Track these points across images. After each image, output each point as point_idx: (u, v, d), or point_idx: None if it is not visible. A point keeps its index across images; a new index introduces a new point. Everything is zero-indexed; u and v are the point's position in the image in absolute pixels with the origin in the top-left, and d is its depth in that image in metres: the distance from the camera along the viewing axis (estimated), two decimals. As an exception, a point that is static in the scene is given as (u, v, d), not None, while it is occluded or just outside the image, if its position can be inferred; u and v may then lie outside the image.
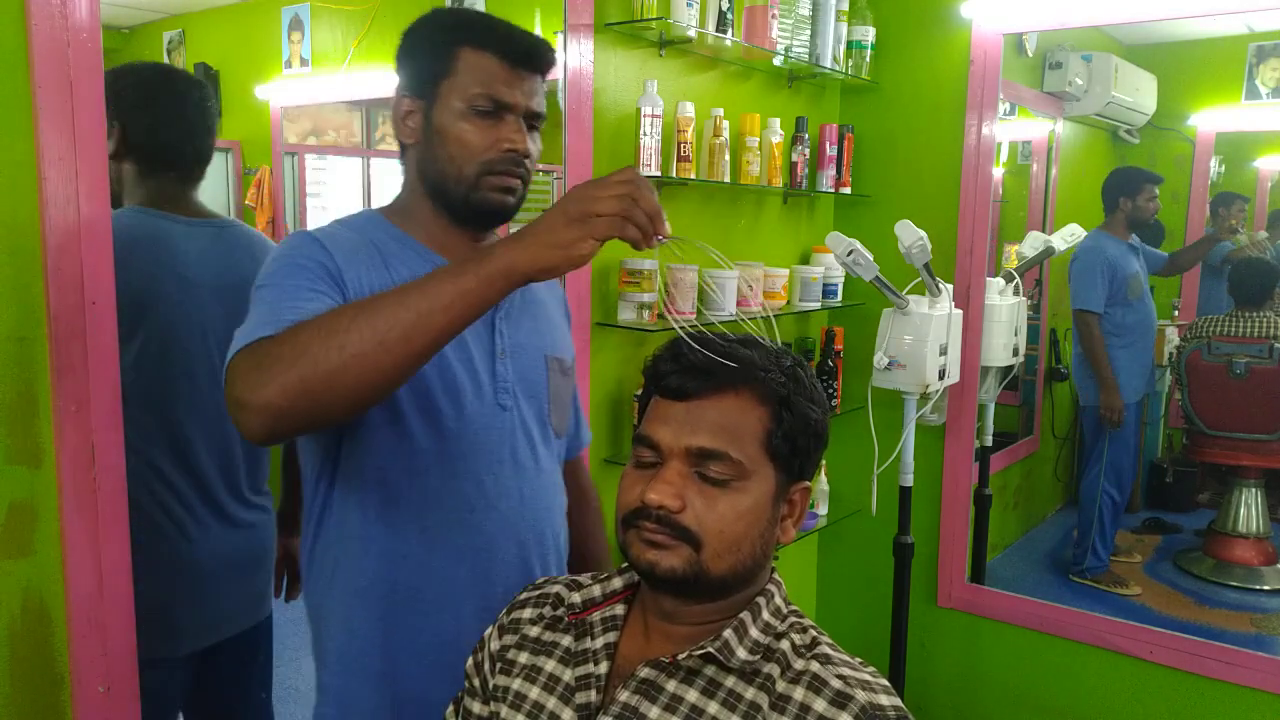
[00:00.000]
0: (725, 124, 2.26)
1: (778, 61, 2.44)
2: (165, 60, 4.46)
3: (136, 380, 1.46)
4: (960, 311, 2.40)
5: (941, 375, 2.31)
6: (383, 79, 4.24)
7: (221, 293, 1.57)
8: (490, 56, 1.13)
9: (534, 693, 0.95)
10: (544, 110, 1.18)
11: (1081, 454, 3.28)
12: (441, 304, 0.91)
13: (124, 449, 1.31)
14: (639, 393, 1.04)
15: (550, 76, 1.21)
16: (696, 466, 0.89)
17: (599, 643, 0.96)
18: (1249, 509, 3.17)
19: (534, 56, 1.16)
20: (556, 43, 2.23)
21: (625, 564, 0.98)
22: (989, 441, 2.81)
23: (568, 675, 0.95)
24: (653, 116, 2.06)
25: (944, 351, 2.30)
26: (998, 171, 2.86)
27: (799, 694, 0.86)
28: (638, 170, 0.98)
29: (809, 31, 2.49)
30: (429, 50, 1.16)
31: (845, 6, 2.53)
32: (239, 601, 1.69)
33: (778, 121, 2.44)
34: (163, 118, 1.57)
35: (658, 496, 0.87)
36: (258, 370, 0.91)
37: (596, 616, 0.98)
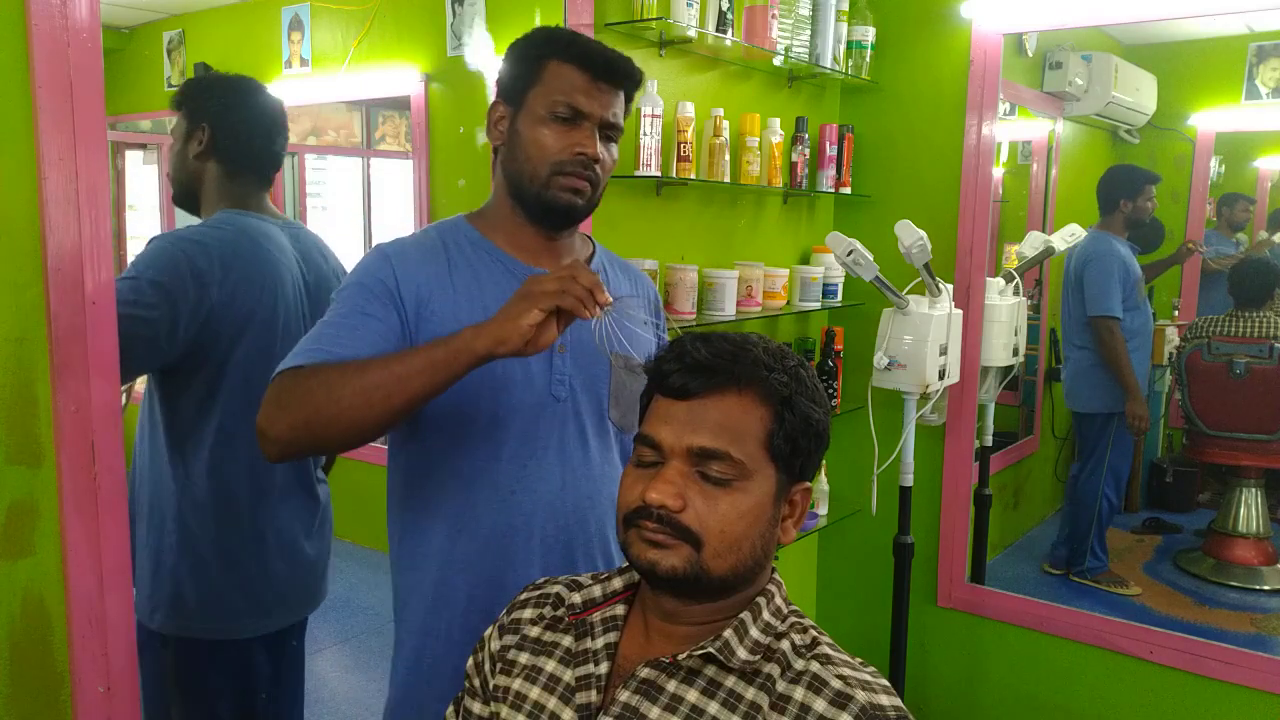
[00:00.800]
0: (725, 124, 2.26)
1: (778, 61, 2.44)
2: (165, 60, 4.46)
3: (267, 366, 1.55)
4: (960, 311, 2.40)
5: (941, 375, 2.31)
6: (382, 79, 4.24)
7: (309, 287, 1.75)
8: (573, 68, 1.23)
9: (534, 693, 0.95)
10: (620, 123, 1.27)
11: (1080, 457, 3.26)
12: (415, 370, 1.08)
13: (124, 450, 1.31)
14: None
15: (625, 88, 1.29)
16: (698, 466, 0.89)
17: (599, 643, 0.96)
18: (1249, 509, 3.17)
19: (614, 71, 1.25)
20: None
21: (625, 564, 0.98)
22: (989, 441, 2.81)
23: (568, 675, 0.95)
24: (653, 116, 2.06)
25: (944, 351, 2.30)
26: (998, 171, 2.86)
27: (799, 694, 0.86)
28: (578, 260, 1.12)
29: (809, 31, 2.49)
30: (523, 61, 1.27)
31: (845, 6, 2.53)
32: (324, 569, 1.84)
33: (778, 121, 2.44)
34: (249, 123, 1.70)
35: (658, 496, 0.87)
36: (276, 407, 1.12)
37: (597, 617, 0.98)
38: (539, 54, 1.25)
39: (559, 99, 1.22)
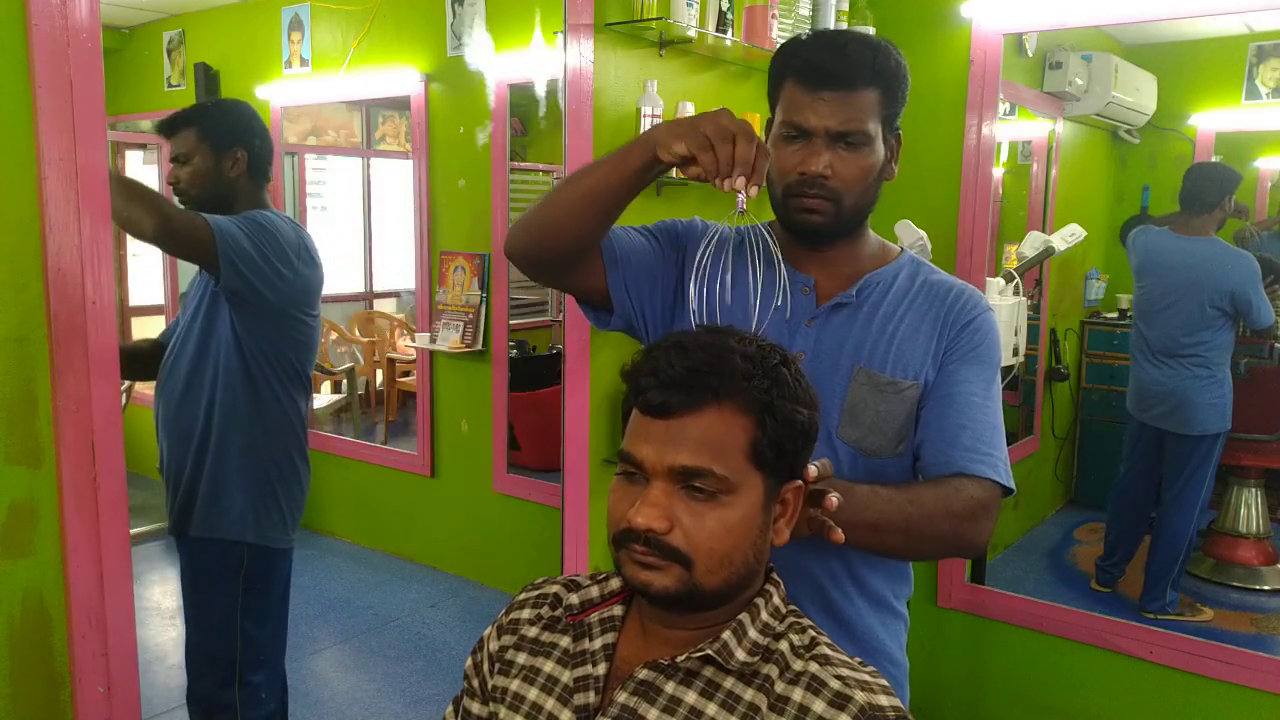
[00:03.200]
0: (725, 124, 2.26)
1: (778, 61, 2.44)
2: (165, 60, 4.46)
3: (311, 339, 2.01)
4: (960, 311, 2.40)
5: (941, 375, 2.30)
6: (382, 79, 4.24)
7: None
8: (795, 83, 1.20)
9: (532, 693, 0.95)
10: (852, 127, 1.18)
11: (1174, 484, 3.00)
12: (607, 161, 1.17)
13: (124, 450, 1.31)
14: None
15: (869, 87, 1.19)
16: (681, 483, 0.87)
17: (597, 644, 0.96)
18: (1249, 509, 3.17)
19: (829, 76, 1.17)
20: (557, 42, 2.23)
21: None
22: (989, 441, 2.80)
23: (566, 676, 0.95)
24: (653, 116, 2.06)
25: (944, 351, 2.30)
26: (998, 171, 2.86)
27: (798, 695, 0.86)
28: (753, 132, 1.08)
29: (809, 31, 2.49)
30: (771, 82, 1.26)
31: (845, 6, 2.53)
32: None
33: (778, 121, 2.43)
34: (268, 139, 2.03)
35: (644, 520, 0.86)
36: (513, 230, 1.26)
37: (595, 617, 0.98)
38: (778, 72, 1.23)
39: (785, 119, 1.21)
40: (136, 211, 1.68)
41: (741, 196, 1.11)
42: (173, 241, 1.79)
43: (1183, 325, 2.94)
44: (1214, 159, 3.15)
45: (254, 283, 1.82)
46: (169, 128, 1.94)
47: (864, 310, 1.26)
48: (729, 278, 1.27)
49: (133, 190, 1.69)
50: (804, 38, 1.23)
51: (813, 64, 1.18)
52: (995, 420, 1.24)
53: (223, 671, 1.96)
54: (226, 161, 1.94)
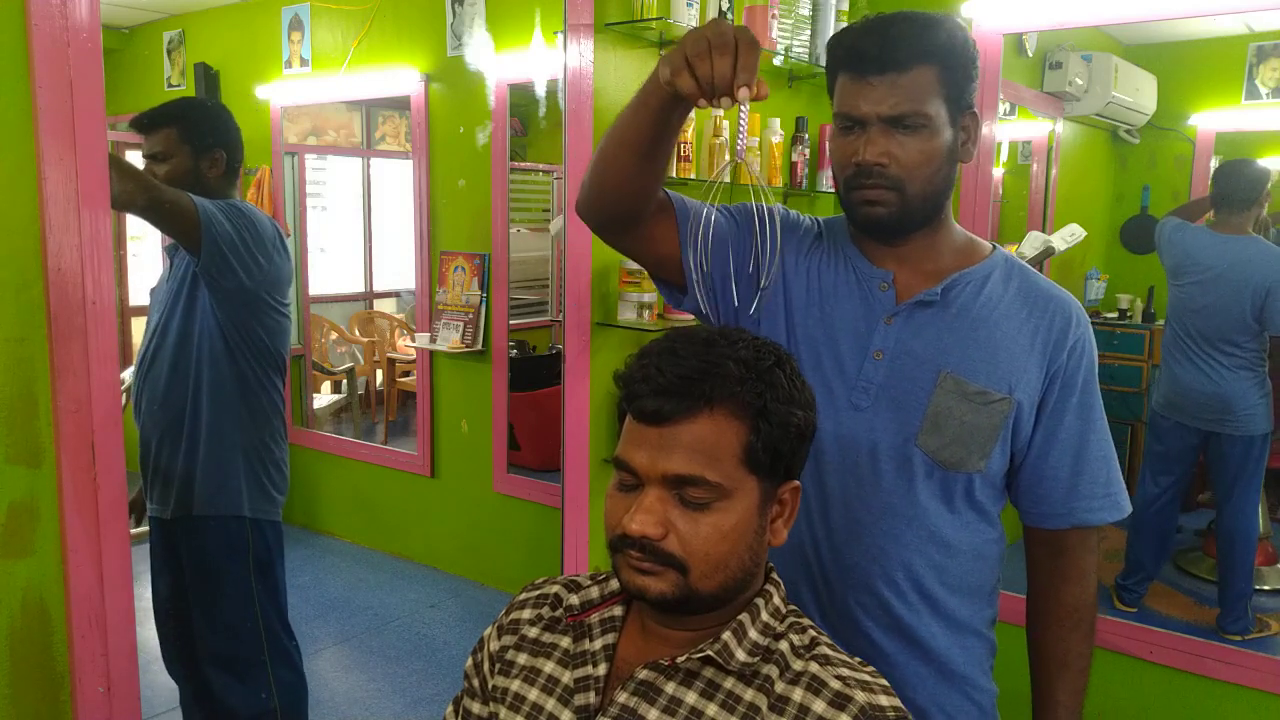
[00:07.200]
0: (725, 124, 2.26)
1: (778, 61, 2.44)
2: (165, 60, 4.46)
3: (285, 326, 2.08)
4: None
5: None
6: (382, 79, 4.23)
7: None
8: (844, 75, 1.15)
9: (533, 694, 0.95)
10: (905, 109, 1.11)
11: (1232, 489, 2.88)
12: (632, 103, 1.09)
13: (123, 449, 1.31)
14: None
15: (921, 65, 1.12)
16: (675, 490, 0.87)
17: (597, 644, 0.96)
18: (1249, 509, 3.16)
19: (874, 61, 1.12)
20: (557, 42, 2.23)
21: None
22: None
23: (566, 677, 0.95)
24: (653, 116, 2.06)
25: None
26: (998, 171, 2.86)
27: (798, 695, 0.86)
28: (733, 36, 0.96)
29: (809, 31, 2.49)
30: (828, 79, 1.21)
31: (845, 6, 2.54)
32: None
33: (778, 121, 2.44)
34: (241, 138, 2.09)
35: (638, 528, 0.86)
36: (580, 187, 1.21)
37: (595, 618, 0.98)
38: (831, 67, 1.18)
39: (837, 111, 1.16)
40: (128, 186, 1.72)
41: (741, 147, 1.09)
42: (159, 215, 1.82)
43: (1225, 325, 2.86)
44: (1214, 159, 3.15)
45: (232, 264, 1.88)
46: (147, 125, 1.98)
47: (952, 311, 1.18)
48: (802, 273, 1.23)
49: (121, 167, 1.74)
50: (852, 26, 1.18)
51: (856, 51, 1.13)
52: (1107, 449, 1.21)
53: (241, 650, 2.04)
54: (205, 162, 1.99)
